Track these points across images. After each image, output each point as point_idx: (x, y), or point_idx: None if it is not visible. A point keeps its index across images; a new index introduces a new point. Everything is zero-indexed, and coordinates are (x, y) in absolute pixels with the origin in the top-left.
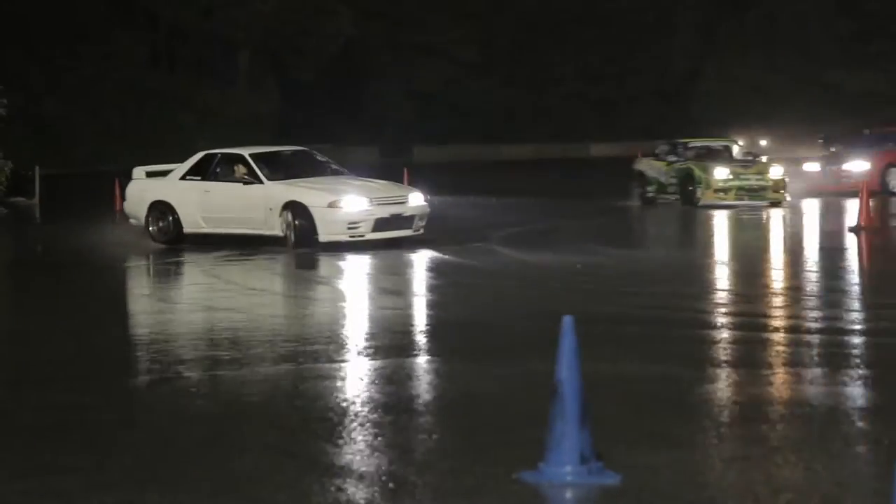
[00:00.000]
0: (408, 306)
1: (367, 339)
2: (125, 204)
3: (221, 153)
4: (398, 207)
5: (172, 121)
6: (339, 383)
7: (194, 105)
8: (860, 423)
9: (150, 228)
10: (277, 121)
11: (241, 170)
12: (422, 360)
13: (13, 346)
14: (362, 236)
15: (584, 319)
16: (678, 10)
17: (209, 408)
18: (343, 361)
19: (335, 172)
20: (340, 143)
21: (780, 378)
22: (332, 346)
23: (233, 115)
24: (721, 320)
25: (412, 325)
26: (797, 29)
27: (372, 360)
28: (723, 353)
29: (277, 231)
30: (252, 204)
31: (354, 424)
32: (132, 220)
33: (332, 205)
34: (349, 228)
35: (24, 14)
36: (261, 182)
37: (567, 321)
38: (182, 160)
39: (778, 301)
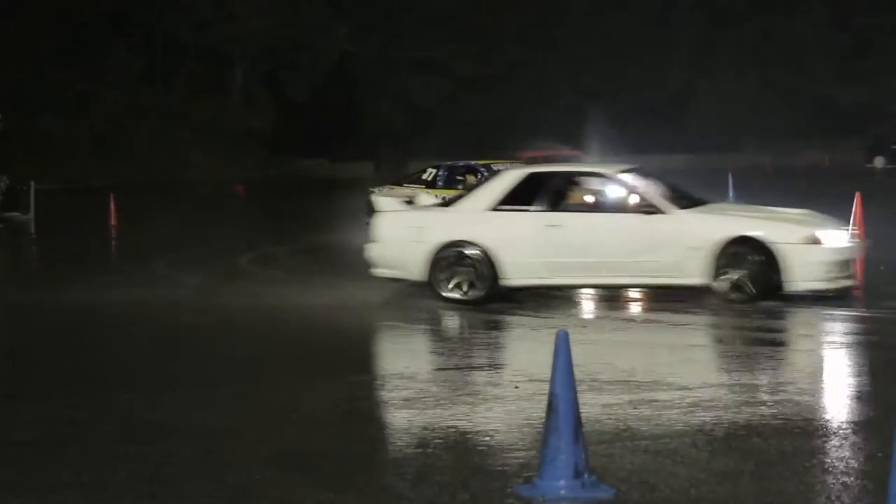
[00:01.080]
0: None
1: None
2: (373, 248)
3: (565, 171)
4: (856, 245)
5: (167, 135)
6: (332, 397)
7: (189, 120)
8: (853, 437)
9: (442, 288)
10: (272, 135)
11: (579, 194)
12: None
13: (10, 359)
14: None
15: None
16: (674, 26)
17: (205, 419)
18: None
19: (697, 199)
20: (335, 158)
21: (769, 392)
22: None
23: (228, 130)
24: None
25: None
26: (792, 44)
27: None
28: (713, 367)
29: (697, 278)
30: (655, 242)
31: (351, 438)
32: (384, 271)
33: (809, 241)
34: (830, 274)
35: (20, 30)
36: (660, 211)
37: (561, 335)
38: (175, 174)
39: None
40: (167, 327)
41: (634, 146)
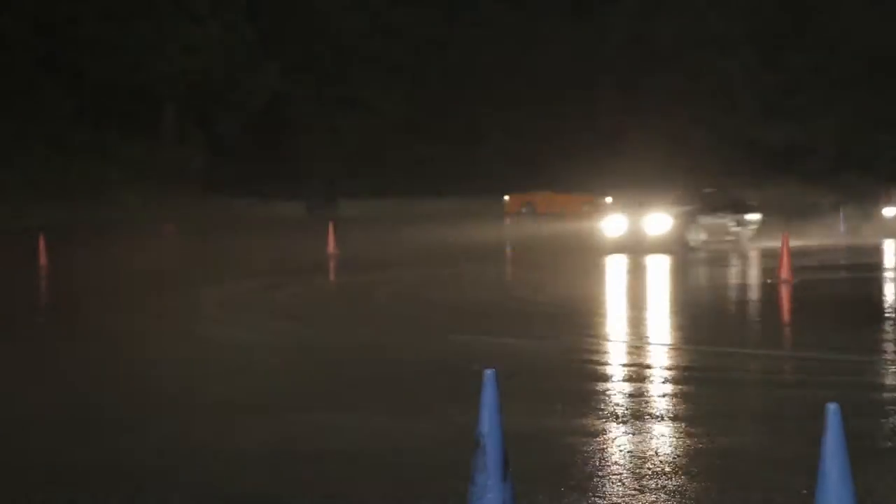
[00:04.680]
0: None
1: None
2: None
3: None
4: None
5: (98, 176)
6: (262, 435)
7: (120, 160)
8: (779, 473)
9: None
10: (204, 175)
11: None
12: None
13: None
14: None
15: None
16: (602, 65)
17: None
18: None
19: None
20: (266, 198)
21: (702, 429)
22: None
23: (159, 170)
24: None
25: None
26: (721, 83)
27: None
28: (644, 405)
29: None
30: None
31: (281, 475)
32: None
33: None
34: None
35: None
36: None
37: (488, 374)
38: (106, 215)
39: (696, 350)
40: (96, 367)
41: (567, 185)
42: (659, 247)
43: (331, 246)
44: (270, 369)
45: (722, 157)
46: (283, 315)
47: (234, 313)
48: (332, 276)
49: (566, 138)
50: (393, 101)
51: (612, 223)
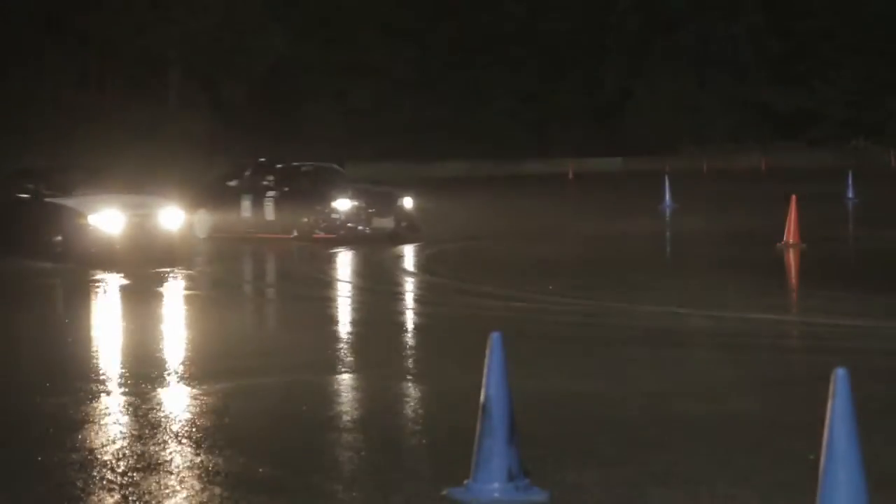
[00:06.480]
0: None
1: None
2: None
3: None
4: None
5: (103, 140)
6: (264, 401)
7: (125, 124)
8: (786, 438)
9: None
10: (209, 139)
11: None
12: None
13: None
14: None
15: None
16: (611, 30)
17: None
18: (267, 377)
19: None
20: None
21: (707, 392)
22: (256, 362)
23: (164, 134)
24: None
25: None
26: (728, 48)
27: (294, 376)
28: (649, 371)
29: None
30: None
31: (281, 441)
32: None
33: None
34: None
35: None
36: None
37: (495, 337)
38: (115, 179)
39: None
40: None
41: (573, 149)
42: None
43: None
44: None
45: (729, 122)
46: None
47: None
48: None
49: (573, 102)
50: (400, 65)
51: None
